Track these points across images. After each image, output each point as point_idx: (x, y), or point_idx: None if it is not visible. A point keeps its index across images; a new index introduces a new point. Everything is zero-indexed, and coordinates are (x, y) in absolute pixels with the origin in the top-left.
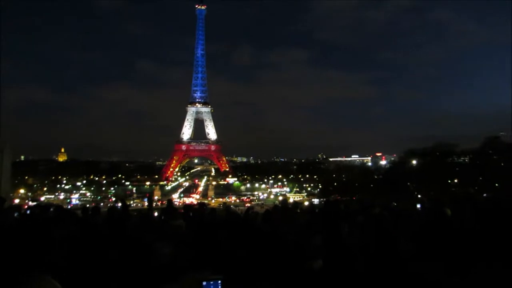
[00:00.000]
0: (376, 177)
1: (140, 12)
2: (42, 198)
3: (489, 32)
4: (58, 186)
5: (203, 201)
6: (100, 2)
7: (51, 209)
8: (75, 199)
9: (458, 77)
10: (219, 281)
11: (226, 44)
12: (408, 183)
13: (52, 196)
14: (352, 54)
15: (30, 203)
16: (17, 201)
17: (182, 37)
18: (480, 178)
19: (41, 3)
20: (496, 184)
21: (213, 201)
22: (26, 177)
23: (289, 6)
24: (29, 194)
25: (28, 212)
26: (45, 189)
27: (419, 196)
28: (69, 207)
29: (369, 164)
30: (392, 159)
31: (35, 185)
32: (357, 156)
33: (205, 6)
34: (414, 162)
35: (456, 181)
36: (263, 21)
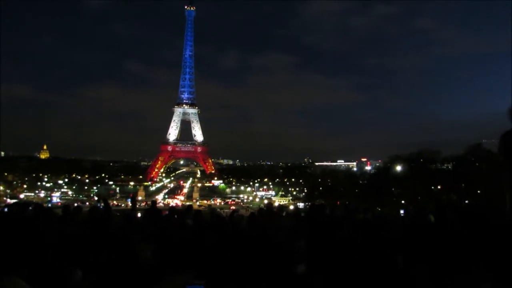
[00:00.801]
0: (361, 182)
1: (127, 12)
2: (22, 196)
3: (473, 40)
4: (39, 183)
5: (187, 203)
6: (87, 1)
7: (30, 208)
8: (56, 197)
9: (442, 84)
10: (202, 286)
11: (214, 46)
12: (393, 189)
13: (32, 194)
14: (338, 59)
15: (9, 200)
16: None
17: (170, 38)
18: (463, 185)
19: (27, 1)
20: (478, 191)
21: (197, 203)
22: (6, 174)
23: (276, 10)
24: (8, 191)
25: (5, 210)
26: (25, 186)
27: (402, 202)
28: (49, 205)
29: (355, 169)
30: (377, 164)
31: (14, 182)
32: (343, 161)
33: (194, 8)
34: (398, 168)
35: (439, 187)
36: (250, 24)
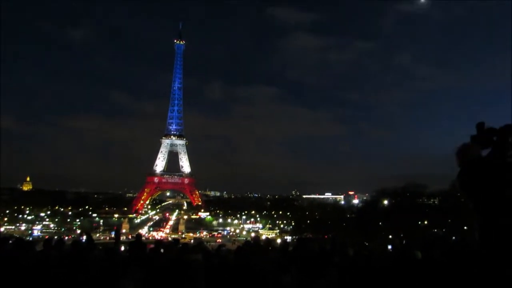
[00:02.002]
0: (348, 216)
1: (111, 45)
2: (2, 229)
3: (449, 76)
4: (20, 216)
5: (173, 235)
6: (72, 34)
7: (10, 242)
8: (37, 230)
9: (424, 117)
10: None
11: (198, 78)
12: (380, 223)
13: (13, 227)
14: (320, 92)
15: None
16: None
17: (154, 70)
18: (449, 221)
19: (10, 31)
20: (465, 227)
21: (183, 235)
22: None
23: (258, 45)
24: None
25: None
26: (5, 219)
27: (390, 236)
28: (30, 238)
29: (342, 202)
30: (365, 198)
31: None
32: (330, 193)
33: (184, 41)
34: (385, 202)
35: (426, 222)
36: (233, 58)
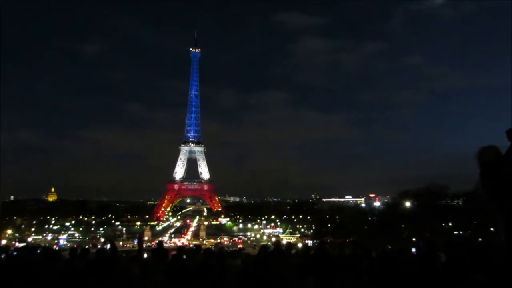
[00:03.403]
0: (370, 218)
1: (122, 56)
2: (30, 239)
3: (463, 76)
4: (46, 226)
5: (194, 241)
6: (86, 48)
7: (38, 251)
8: (63, 239)
9: (441, 117)
10: None
11: (211, 86)
12: (402, 225)
13: (40, 237)
14: (332, 96)
15: (17, 244)
16: (4, 242)
17: (168, 79)
18: (474, 222)
19: (29, 51)
20: (491, 229)
21: (204, 241)
22: (15, 217)
23: (267, 50)
24: (17, 234)
25: (15, 253)
26: (33, 229)
27: (413, 239)
28: (56, 248)
29: (363, 205)
30: (386, 200)
31: (23, 226)
32: (351, 196)
33: (199, 49)
34: (407, 204)
35: (450, 224)
36: (244, 64)
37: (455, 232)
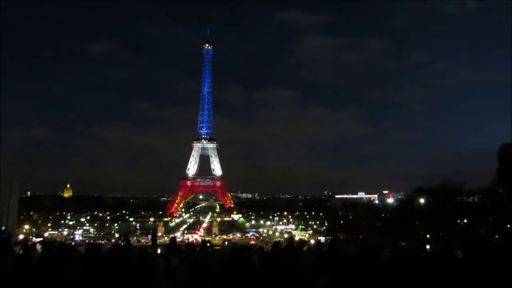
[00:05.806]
0: (383, 215)
1: (131, 54)
2: (46, 234)
3: (469, 73)
4: (62, 222)
5: (207, 238)
6: (92, 47)
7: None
8: (78, 235)
9: (447, 114)
10: None
11: (218, 83)
12: (416, 222)
13: (56, 232)
14: (338, 93)
15: (34, 239)
16: (21, 236)
17: (178, 77)
18: (491, 219)
19: (41, 51)
20: (508, 226)
21: (217, 238)
22: (32, 213)
23: (273, 49)
24: (34, 229)
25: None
26: (49, 225)
27: (427, 236)
28: (72, 243)
29: (376, 202)
30: (399, 197)
31: (39, 221)
32: (364, 193)
33: (212, 46)
34: (422, 200)
35: (465, 221)
36: (251, 62)
37: (474, 229)
